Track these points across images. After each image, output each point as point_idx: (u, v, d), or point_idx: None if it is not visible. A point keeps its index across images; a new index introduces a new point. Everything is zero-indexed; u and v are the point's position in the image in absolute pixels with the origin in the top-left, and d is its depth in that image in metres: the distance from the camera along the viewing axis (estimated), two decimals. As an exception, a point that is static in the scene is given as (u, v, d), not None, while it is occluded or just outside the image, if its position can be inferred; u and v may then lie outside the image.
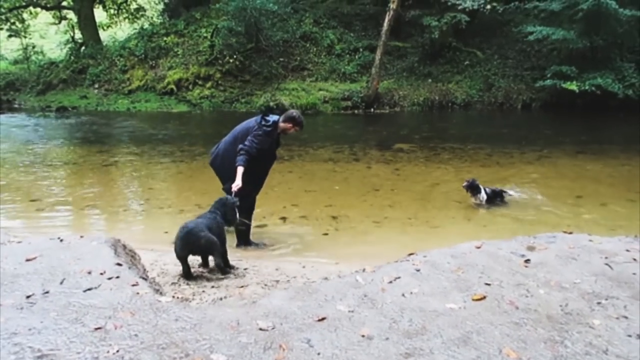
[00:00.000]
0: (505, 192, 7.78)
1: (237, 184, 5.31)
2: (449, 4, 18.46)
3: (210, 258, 4.58)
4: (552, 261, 3.48)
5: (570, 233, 4.18)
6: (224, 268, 4.52)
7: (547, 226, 6.25)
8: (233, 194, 5.26)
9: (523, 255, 3.60)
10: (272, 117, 5.61)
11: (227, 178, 5.63)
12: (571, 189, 8.29)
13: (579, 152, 11.27)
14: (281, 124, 5.59)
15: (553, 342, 2.49)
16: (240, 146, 5.42)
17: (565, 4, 16.91)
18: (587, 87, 16.34)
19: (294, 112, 5.74)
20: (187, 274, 4.36)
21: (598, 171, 9.48)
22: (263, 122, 5.53)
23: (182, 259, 4.35)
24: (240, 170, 5.34)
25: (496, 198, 7.57)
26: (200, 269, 4.62)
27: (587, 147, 11.73)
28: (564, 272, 3.31)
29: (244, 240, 5.79)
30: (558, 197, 7.82)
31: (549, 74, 17.45)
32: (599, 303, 2.88)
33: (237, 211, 5.13)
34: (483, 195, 7.44)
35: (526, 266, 3.42)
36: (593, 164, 10.17)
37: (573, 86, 16.55)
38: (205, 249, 4.41)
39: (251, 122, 5.66)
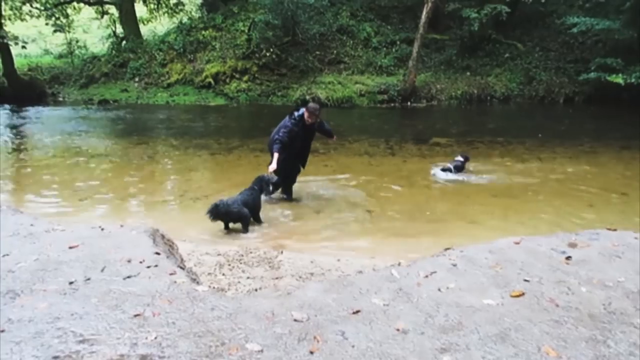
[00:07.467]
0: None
1: (273, 166, 6.77)
2: (489, -5, 18.07)
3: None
4: (595, 258, 3.37)
5: (615, 230, 4.04)
6: (247, 228, 6.20)
7: (589, 223, 6.07)
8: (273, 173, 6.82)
9: (564, 252, 3.50)
10: (299, 112, 7.15)
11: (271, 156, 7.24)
12: (616, 186, 8.03)
13: (624, 148, 10.88)
14: (305, 116, 7.08)
15: (595, 341, 2.42)
16: (276, 137, 6.98)
17: (612, -6, 16.35)
18: (633, 80, 15.74)
19: (310, 105, 7.28)
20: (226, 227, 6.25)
21: (644, 167, 9.14)
22: (291, 118, 7.11)
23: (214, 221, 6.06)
24: (276, 155, 6.83)
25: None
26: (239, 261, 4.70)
27: (632, 142, 11.31)
28: (607, 270, 3.20)
29: (289, 193, 7.58)
30: (602, 194, 7.59)
31: (593, 66, 16.91)
32: (644, 303, 2.78)
33: (271, 185, 6.75)
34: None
35: (567, 263, 3.33)
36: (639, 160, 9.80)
37: (619, 79, 15.98)
38: (236, 218, 6.16)
39: (286, 119, 7.20)
